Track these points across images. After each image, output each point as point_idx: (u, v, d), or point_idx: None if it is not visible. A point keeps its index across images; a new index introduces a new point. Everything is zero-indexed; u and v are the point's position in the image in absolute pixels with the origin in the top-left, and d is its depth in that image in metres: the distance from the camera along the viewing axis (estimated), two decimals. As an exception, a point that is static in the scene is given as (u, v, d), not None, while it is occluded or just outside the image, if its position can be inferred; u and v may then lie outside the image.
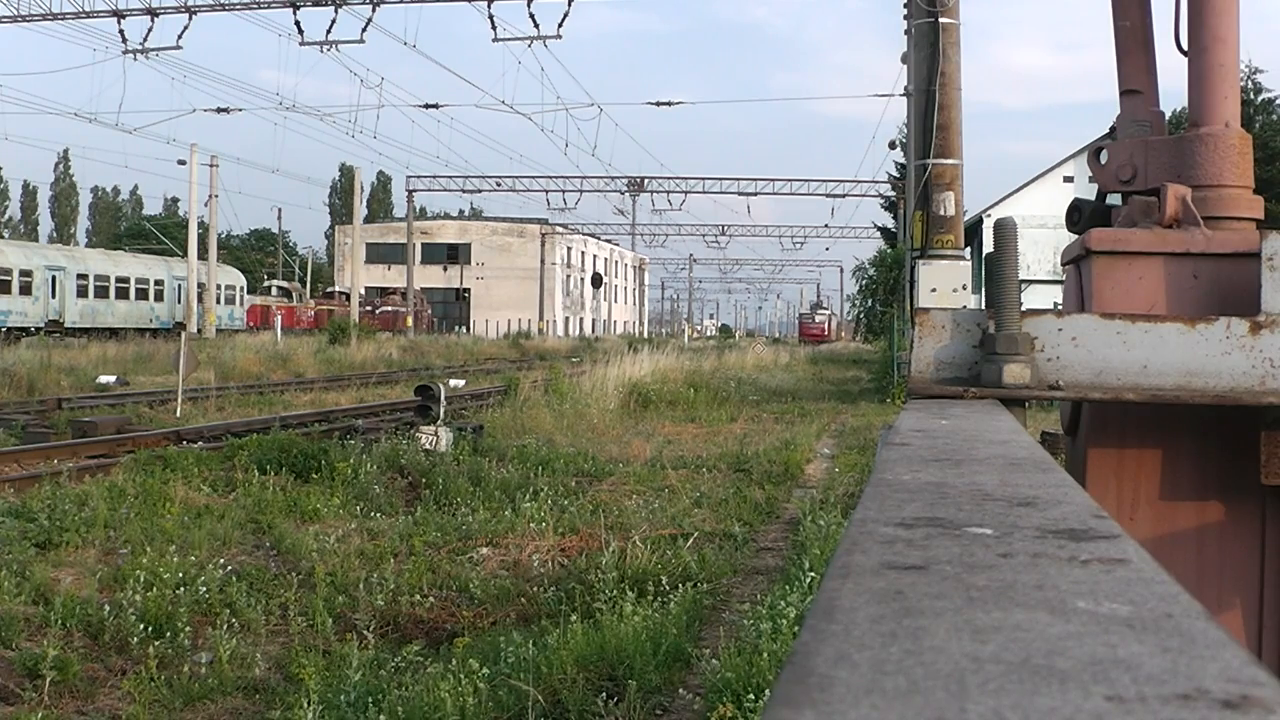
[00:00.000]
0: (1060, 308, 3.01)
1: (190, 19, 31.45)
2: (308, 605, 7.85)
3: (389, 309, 69.56)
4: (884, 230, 60.02)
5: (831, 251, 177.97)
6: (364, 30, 30.51)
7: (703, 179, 60.78)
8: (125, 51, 31.89)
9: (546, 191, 61.34)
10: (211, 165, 51.83)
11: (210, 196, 52.30)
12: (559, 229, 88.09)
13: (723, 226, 78.49)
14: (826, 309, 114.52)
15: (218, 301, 54.74)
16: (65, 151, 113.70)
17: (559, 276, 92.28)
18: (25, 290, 45.84)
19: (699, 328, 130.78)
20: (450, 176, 60.92)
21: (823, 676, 0.64)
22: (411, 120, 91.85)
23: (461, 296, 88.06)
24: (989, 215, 44.72)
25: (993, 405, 2.49)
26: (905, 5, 21.38)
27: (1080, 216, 3.29)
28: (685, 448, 16.12)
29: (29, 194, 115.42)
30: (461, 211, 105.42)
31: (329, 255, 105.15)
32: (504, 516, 10.42)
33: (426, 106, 43.09)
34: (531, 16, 29.56)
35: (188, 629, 7.09)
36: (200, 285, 51.77)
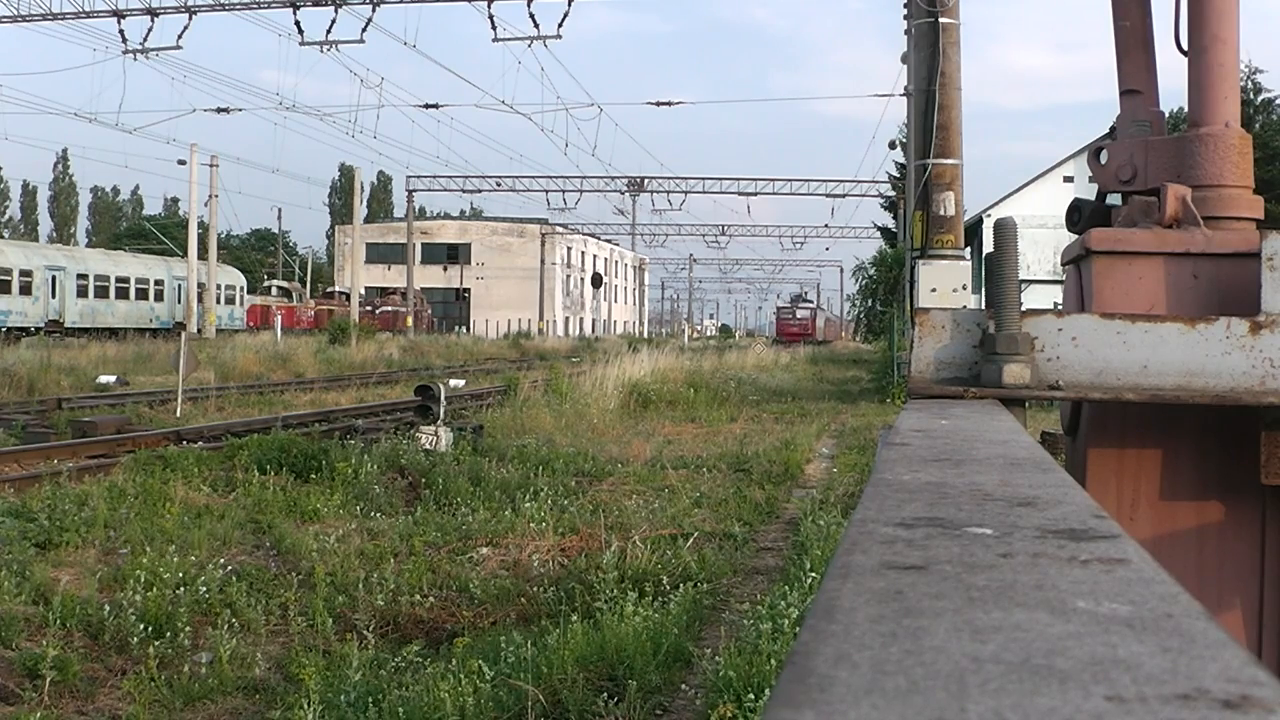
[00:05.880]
0: (1060, 308, 3.01)
1: (190, 19, 31.49)
2: (308, 605, 7.85)
3: (389, 309, 69.54)
4: (884, 230, 60.00)
5: (831, 251, 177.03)
6: (364, 30, 30.54)
7: (703, 179, 60.85)
8: (125, 51, 31.90)
9: (546, 191, 61.41)
10: (211, 165, 51.84)
11: (210, 196, 52.32)
12: (559, 229, 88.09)
13: (723, 226, 78.53)
14: (811, 302, 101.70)
15: (218, 301, 54.73)
16: (64, 151, 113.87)
17: (559, 276, 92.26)
18: (25, 290, 45.85)
19: (699, 328, 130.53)
20: (450, 176, 60.98)
21: (823, 676, 0.64)
22: (411, 120, 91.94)
23: (461, 296, 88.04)
24: (989, 215, 44.72)
25: (993, 405, 2.49)
26: (905, 5, 21.38)
27: (1080, 216, 3.29)
28: (685, 448, 16.11)
29: (29, 194, 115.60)
30: (462, 211, 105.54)
31: (329, 255, 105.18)
32: (504, 516, 10.42)
33: (426, 106, 43.11)
34: (531, 16, 29.59)
35: (188, 629, 7.08)
36: (200, 285, 51.77)
